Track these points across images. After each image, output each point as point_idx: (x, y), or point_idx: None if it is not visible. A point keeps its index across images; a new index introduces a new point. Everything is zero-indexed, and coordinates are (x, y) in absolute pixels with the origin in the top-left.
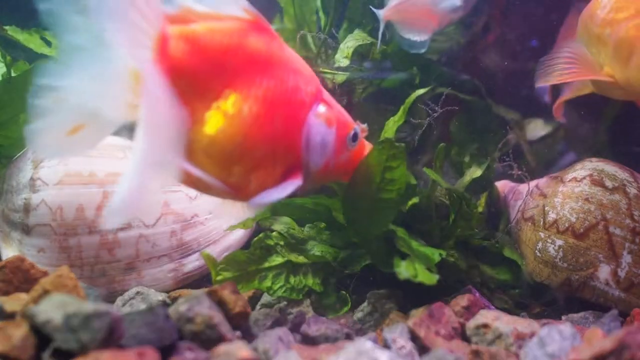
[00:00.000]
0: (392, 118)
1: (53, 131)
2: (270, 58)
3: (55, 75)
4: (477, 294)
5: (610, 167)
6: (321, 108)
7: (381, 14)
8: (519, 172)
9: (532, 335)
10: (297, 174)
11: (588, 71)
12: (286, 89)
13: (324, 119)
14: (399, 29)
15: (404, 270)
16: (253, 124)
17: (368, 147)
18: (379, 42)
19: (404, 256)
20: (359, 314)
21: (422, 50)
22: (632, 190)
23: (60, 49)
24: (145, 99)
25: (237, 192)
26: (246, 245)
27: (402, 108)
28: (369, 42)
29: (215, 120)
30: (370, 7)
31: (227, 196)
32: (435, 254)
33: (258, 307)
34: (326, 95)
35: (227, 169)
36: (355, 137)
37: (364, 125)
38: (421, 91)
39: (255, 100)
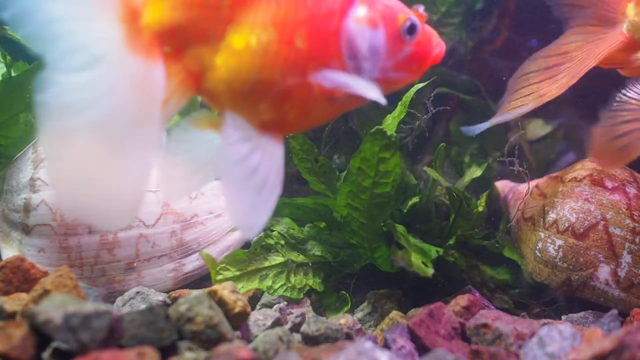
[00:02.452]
0: (390, 114)
1: None
2: None
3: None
4: (477, 294)
5: None
6: (359, 11)
7: None
8: (520, 169)
9: (532, 335)
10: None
11: None
12: (303, 3)
13: (366, 22)
14: None
15: (399, 258)
16: (267, 54)
17: (433, 34)
18: None
19: (401, 249)
20: (359, 314)
21: None
22: (632, 190)
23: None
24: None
25: (276, 126)
26: (246, 245)
27: (400, 103)
28: None
29: (225, 63)
30: None
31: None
32: (432, 250)
33: (258, 307)
34: None
35: (254, 107)
36: (412, 28)
37: (421, 9)
38: (420, 85)
39: (263, 27)
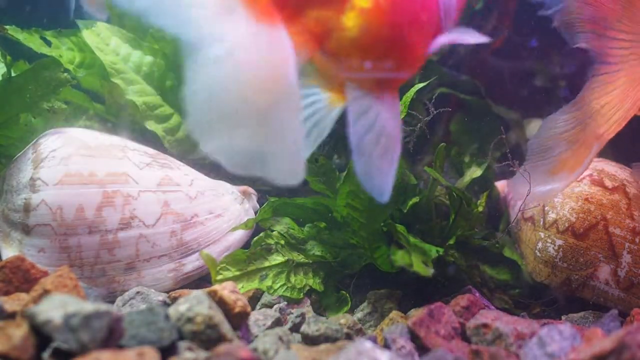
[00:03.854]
0: None
1: None
2: None
3: None
4: (477, 294)
5: (610, 167)
6: None
7: None
8: (519, 170)
9: (532, 335)
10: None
11: None
12: None
13: None
14: None
15: (399, 258)
16: (395, 12)
17: None
18: None
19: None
20: (359, 314)
21: None
22: (632, 190)
23: None
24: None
25: (391, 83)
26: (246, 245)
27: (400, 102)
28: None
29: (354, 21)
30: None
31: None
32: (432, 250)
33: (258, 307)
34: None
35: (378, 65)
36: None
37: None
38: (420, 85)
39: None
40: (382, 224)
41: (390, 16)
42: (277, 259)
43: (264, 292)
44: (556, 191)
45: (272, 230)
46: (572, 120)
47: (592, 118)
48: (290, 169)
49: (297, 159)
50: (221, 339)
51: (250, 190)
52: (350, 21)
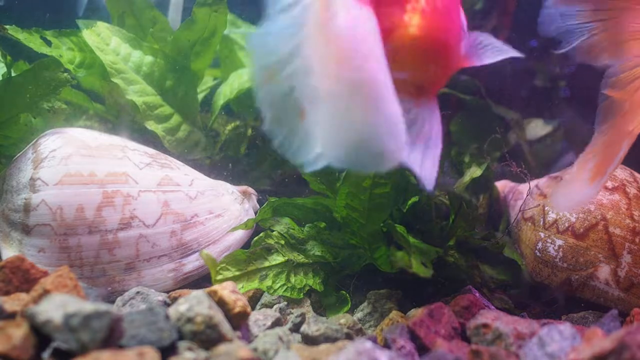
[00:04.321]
0: None
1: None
2: None
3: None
4: (477, 294)
5: None
6: None
7: None
8: (519, 169)
9: (532, 335)
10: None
11: None
12: None
13: None
14: None
15: (399, 259)
16: (445, 16)
17: None
18: None
19: (401, 250)
20: (359, 314)
21: None
22: (632, 190)
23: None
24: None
25: (431, 86)
26: (246, 245)
27: None
28: None
29: (416, 20)
30: None
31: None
32: (432, 250)
33: (258, 307)
34: None
35: (426, 67)
36: None
37: None
38: None
39: None
40: (382, 225)
41: (444, 20)
42: (277, 259)
43: (264, 292)
44: (592, 195)
45: (272, 230)
46: (605, 125)
47: (621, 115)
48: (389, 151)
49: (398, 138)
50: (221, 339)
51: (250, 190)
52: (412, 19)
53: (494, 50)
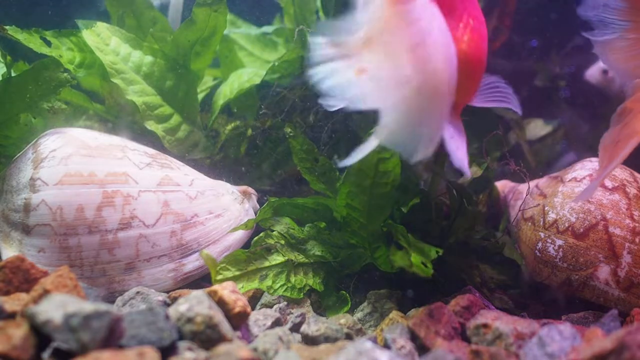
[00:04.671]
0: None
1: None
2: None
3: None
4: (477, 294)
5: None
6: None
7: None
8: (517, 168)
9: (532, 335)
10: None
11: None
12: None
13: None
14: None
15: (399, 259)
16: (485, 40)
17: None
18: None
19: (401, 250)
20: (359, 314)
21: None
22: (632, 190)
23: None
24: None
25: (459, 104)
26: (246, 245)
27: None
28: None
29: (467, 37)
30: None
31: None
32: (432, 250)
33: (258, 307)
34: None
35: (465, 83)
36: None
37: None
38: None
39: (478, 14)
40: (382, 224)
41: (485, 42)
42: (277, 259)
43: (264, 292)
44: (594, 188)
45: (272, 230)
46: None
47: (633, 115)
48: (428, 144)
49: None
50: (221, 339)
51: (250, 190)
52: (464, 35)
53: (499, 96)
